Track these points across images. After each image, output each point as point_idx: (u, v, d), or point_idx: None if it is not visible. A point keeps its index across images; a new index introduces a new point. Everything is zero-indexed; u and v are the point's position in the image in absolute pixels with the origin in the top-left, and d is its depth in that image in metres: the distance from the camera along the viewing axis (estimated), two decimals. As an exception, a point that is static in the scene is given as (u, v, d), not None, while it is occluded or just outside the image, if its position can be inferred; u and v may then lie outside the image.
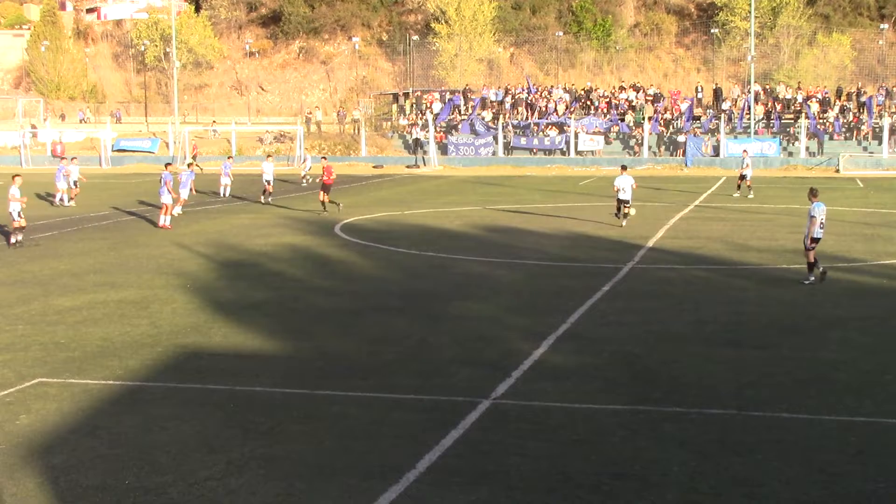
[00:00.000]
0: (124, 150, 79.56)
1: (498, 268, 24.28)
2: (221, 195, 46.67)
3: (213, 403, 12.92)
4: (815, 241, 21.47)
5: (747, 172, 44.16)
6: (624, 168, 33.45)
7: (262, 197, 42.79)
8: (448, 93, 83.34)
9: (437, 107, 79.00)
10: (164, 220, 33.61)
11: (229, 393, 13.38)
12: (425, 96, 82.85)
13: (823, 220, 21.59)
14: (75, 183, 43.86)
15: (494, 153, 72.80)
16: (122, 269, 24.50)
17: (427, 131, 72.99)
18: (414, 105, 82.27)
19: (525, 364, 14.73)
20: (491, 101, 79.21)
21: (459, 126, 76.35)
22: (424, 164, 70.60)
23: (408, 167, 69.91)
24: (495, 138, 73.18)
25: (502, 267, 24.41)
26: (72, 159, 46.74)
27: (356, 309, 19.21)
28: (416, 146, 73.13)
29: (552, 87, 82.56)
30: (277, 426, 11.98)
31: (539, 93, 79.73)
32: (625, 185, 32.15)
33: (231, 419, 12.26)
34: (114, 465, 10.71)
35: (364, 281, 22.71)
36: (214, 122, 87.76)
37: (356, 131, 79.46)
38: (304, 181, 50.98)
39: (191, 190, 40.16)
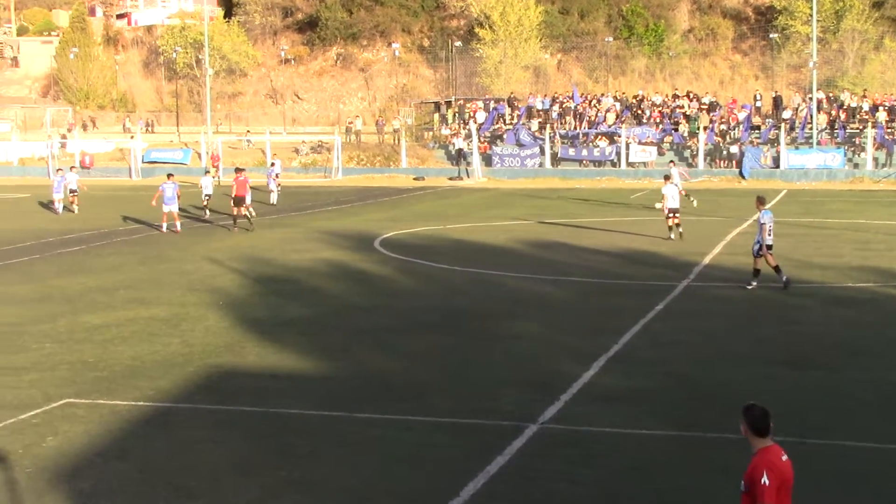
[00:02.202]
0: (155, 162, 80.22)
1: (545, 285, 24.24)
2: (271, 202, 48.94)
3: (246, 426, 12.97)
4: (769, 248, 23.17)
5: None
6: (667, 178, 34.12)
7: (205, 211, 43.92)
8: (492, 101, 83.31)
9: (480, 116, 78.96)
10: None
11: (263, 415, 13.43)
12: (468, 105, 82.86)
13: (771, 227, 23.25)
14: (73, 191, 46.30)
15: (541, 165, 72.65)
16: (152, 284, 24.70)
17: (470, 142, 73.00)
18: (456, 114, 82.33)
19: (574, 387, 14.67)
20: (537, 110, 79.07)
21: (504, 136, 76.29)
22: (468, 176, 70.57)
23: (450, 179, 69.92)
24: (542, 149, 73.04)
25: (550, 284, 24.36)
26: (70, 168, 50.25)
27: (396, 327, 19.23)
28: (459, 157, 73.11)
29: (602, 95, 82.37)
30: (314, 450, 12.00)
31: (588, 101, 79.58)
32: (672, 194, 32.53)
33: (266, 442, 12.30)
34: (143, 490, 10.78)
35: (405, 298, 22.73)
36: (248, 131, 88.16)
37: (396, 141, 79.62)
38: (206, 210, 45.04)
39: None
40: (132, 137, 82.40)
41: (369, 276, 26.12)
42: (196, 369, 15.92)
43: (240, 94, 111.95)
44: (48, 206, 47.40)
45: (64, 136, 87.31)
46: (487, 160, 73.57)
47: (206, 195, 44.26)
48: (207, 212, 43.95)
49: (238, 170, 39.92)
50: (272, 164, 54.89)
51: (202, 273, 26.53)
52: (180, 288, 24.11)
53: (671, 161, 54.79)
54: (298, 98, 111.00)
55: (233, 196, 38.26)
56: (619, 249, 30.81)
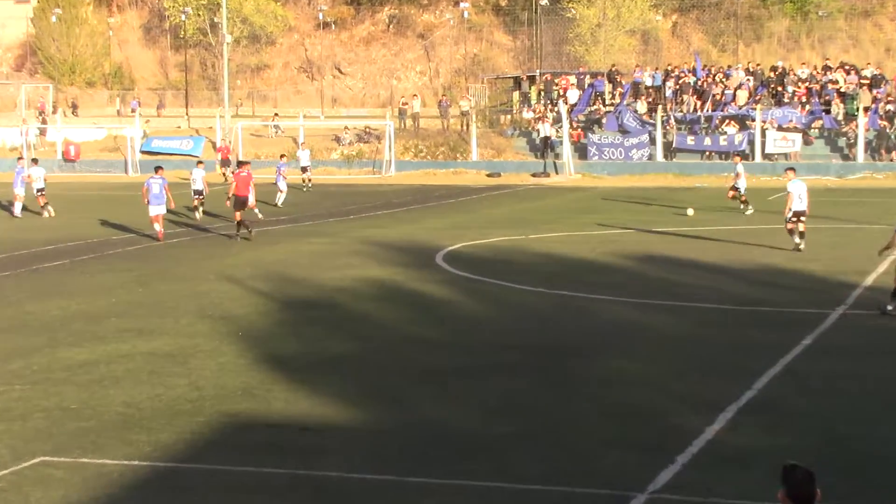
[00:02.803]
0: (157, 153, 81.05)
1: (657, 313, 24.07)
2: (278, 204, 49.88)
3: (271, 491, 12.96)
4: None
5: (740, 183, 46.83)
6: (793, 170, 34.96)
7: (196, 213, 45.45)
8: (588, 76, 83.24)
9: (573, 95, 78.92)
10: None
11: (292, 478, 13.42)
12: (557, 81, 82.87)
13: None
14: (40, 191, 47.72)
15: (650, 157, 72.42)
16: (153, 310, 24.87)
17: (559, 128, 72.94)
18: (542, 93, 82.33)
19: (694, 445, 14.52)
20: (646, 87, 78.85)
21: (604, 120, 76.16)
22: (556, 172, 70.53)
23: (534, 176, 69.92)
24: (652, 137, 72.78)
25: (663, 312, 24.20)
26: (33, 160, 52.46)
27: (464, 367, 19.17)
28: (545, 147, 73.09)
29: (730, 67, 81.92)
30: (356, 525, 11.95)
31: (712, 76, 79.16)
32: (800, 192, 32.78)
33: (294, 515, 12.27)
34: (138, 575, 10.78)
35: (475, 330, 22.68)
36: (277, 115, 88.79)
37: (465, 128, 79.76)
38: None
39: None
40: (147, 118, 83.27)
41: (429, 300, 26.13)
42: (207, 419, 15.97)
43: (266, 68, 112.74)
44: (8, 208, 48.24)
45: (44, 121, 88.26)
46: (582, 151, 73.46)
47: (195, 192, 45.58)
48: (198, 213, 45.18)
49: (241, 163, 40.32)
50: (282, 156, 55.18)
51: (216, 295, 26.70)
52: (188, 314, 24.25)
53: (736, 154, 54.02)
54: (340, 72, 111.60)
55: (229, 195, 38.55)
56: (753, 266, 30.57)
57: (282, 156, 55.61)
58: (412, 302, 25.94)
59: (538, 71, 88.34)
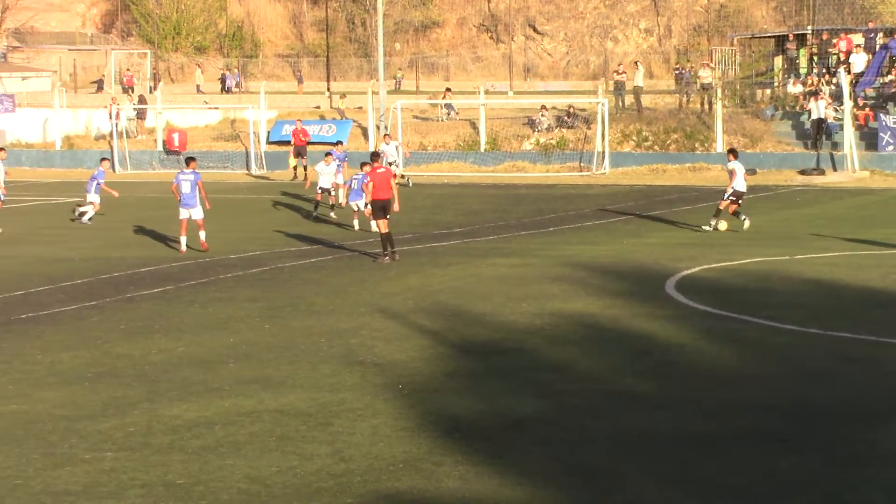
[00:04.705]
0: (288, 142, 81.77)
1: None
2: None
3: None
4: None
5: (737, 185, 44.29)
6: (734, 153, 38.73)
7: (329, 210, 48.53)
8: (881, 34, 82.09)
9: (859, 61, 77.90)
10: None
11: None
12: (837, 41, 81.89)
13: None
14: None
15: (973, 147, 71.31)
16: (284, 354, 25.15)
17: (839, 106, 72.09)
18: (816, 58, 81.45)
19: None
20: (968, 50, 77.65)
21: (903, 96, 75.18)
22: (833, 168, 69.71)
23: (802, 173, 69.21)
24: (975, 120, 71.62)
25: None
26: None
27: (702, 435, 19.06)
28: (819, 134, 72.26)
29: None
30: None
31: None
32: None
33: None
34: None
35: (717, 384, 22.54)
36: (449, 90, 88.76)
37: (706, 107, 79.17)
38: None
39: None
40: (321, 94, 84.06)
41: (654, 343, 26.10)
42: (357, 501, 16.12)
43: (434, 27, 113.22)
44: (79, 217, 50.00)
45: (142, 100, 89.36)
46: (870, 139, 72.49)
47: (319, 189, 48.72)
48: (332, 213, 48.09)
49: (374, 155, 40.27)
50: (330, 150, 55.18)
51: (368, 335, 26.91)
52: (331, 360, 24.46)
53: (730, 151, 47.94)
54: (535, 32, 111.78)
55: (367, 201, 39.42)
56: None
57: (338, 143, 57.96)
58: (631, 346, 25.88)
59: (810, 28, 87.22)
